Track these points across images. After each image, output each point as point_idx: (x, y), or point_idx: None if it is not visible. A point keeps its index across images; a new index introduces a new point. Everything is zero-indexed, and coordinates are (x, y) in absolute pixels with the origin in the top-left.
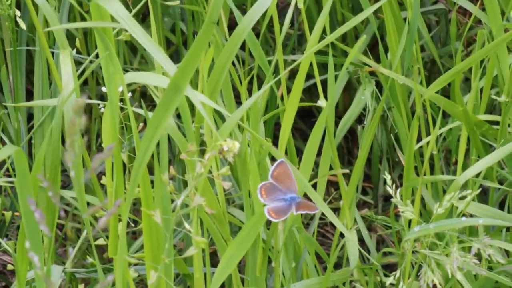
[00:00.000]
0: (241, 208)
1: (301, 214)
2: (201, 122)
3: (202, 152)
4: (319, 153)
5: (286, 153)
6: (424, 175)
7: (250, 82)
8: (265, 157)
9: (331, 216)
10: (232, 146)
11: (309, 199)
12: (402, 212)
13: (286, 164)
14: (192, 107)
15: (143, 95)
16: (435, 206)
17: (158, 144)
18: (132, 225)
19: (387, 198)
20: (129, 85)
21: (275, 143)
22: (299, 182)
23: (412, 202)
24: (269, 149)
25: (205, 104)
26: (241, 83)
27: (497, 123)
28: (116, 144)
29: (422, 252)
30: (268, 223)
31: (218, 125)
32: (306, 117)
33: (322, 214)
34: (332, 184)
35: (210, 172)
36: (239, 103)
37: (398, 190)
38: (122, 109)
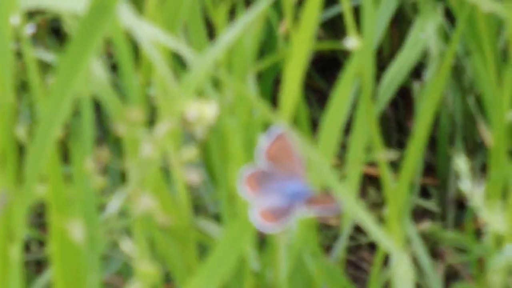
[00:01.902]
0: (218, 219)
1: (319, 230)
2: (151, 75)
3: (152, 124)
4: (348, 129)
5: (292, 125)
6: None
7: (233, 12)
8: (257, 133)
9: (368, 224)
10: (203, 112)
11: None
12: (487, 223)
13: (288, 138)
14: (135, 50)
15: (55, 33)
16: None
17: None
18: (35, 249)
19: (462, 203)
20: (30, 15)
21: (275, 110)
22: (313, 166)
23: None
24: (264, 117)
25: (157, 43)
26: (217, 11)
27: None
28: (8, 112)
29: None
30: (262, 241)
31: (180, 76)
32: (328, 69)
33: (355, 230)
34: (371, 181)
35: (165, 156)
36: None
37: (479, 190)
38: (18, 54)
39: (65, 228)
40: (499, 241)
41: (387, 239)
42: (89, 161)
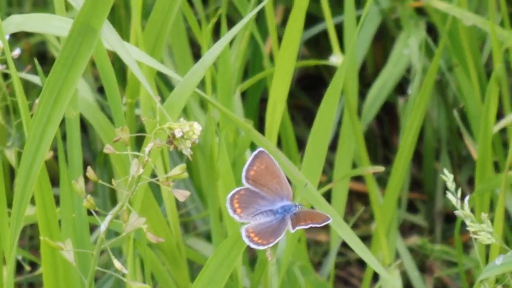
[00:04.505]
0: (208, 237)
1: (307, 246)
2: (137, 96)
3: (139, 144)
4: (334, 146)
5: (279, 144)
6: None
7: (217, 31)
8: (244, 152)
9: (355, 244)
10: (190, 130)
11: None
12: (474, 233)
13: (268, 156)
14: (121, 73)
15: (41, 57)
16: None
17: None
18: (27, 269)
19: (451, 216)
20: (16, 38)
21: (261, 129)
22: (297, 182)
23: (492, 220)
24: (251, 136)
25: (142, 64)
26: (201, 29)
27: None
28: None
29: None
30: (252, 258)
31: (166, 97)
32: (313, 87)
33: (343, 246)
34: (359, 197)
35: (154, 176)
36: None
37: (467, 199)
38: (5, 76)
39: (55, 246)
40: (487, 253)
41: (372, 258)
42: (78, 180)
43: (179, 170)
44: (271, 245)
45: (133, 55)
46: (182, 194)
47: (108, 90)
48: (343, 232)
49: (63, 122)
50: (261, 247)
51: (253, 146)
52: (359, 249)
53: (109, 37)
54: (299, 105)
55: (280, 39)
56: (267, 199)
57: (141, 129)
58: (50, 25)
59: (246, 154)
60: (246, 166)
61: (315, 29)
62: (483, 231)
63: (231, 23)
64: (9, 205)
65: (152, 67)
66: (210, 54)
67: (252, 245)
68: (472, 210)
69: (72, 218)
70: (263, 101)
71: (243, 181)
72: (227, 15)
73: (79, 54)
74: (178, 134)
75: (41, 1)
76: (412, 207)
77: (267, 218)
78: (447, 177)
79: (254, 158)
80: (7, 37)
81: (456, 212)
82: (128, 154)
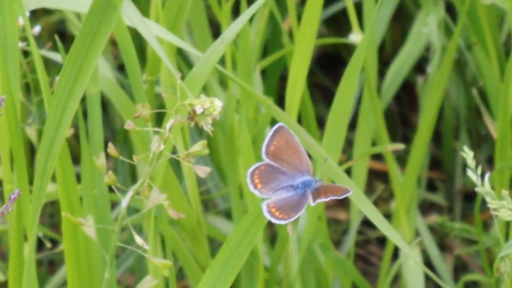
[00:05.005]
0: (228, 215)
1: (328, 225)
2: (157, 73)
3: (159, 120)
4: (353, 124)
5: (299, 122)
6: None
7: (236, 11)
8: (264, 128)
9: (376, 218)
10: (211, 106)
11: None
12: (494, 210)
13: (288, 131)
14: (141, 50)
15: (60, 35)
16: None
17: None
18: (48, 246)
19: (470, 195)
20: (35, 15)
21: (281, 108)
22: (317, 157)
23: None
24: (271, 112)
25: (163, 41)
26: (221, 7)
27: None
28: (15, 111)
29: None
30: (272, 236)
31: (186, 75)
32: (332, 65)
33: (362, 224)
34: (378, 176)
35: (174, 152)
36: None
37: (487, 176)
38: (25, 54)
39: (76, 222)
40: (507, 230)
41: (395, 233)
42: (99, 156)
43: (200, 147)
44: (292, 219)
45: (153, 31)
46: (203, 170)
47: (129, 66)
48: (364, 206)
49: (83, 100)
50: (282, 222)
51: (273, 123)
52: (380, 223)
53: (129, 13)
54: (318, 83)
55: (299, 17)
56: (287, 174)
57: (161, 106)
58: (71, 2)
59: (266, 130)
60: (266, 141)
61: (334, 8)
62: (504, 207)
63: (250, 2)
64: (30, 182)
65: (172, 44)
66: (230, 31)
67: (273, 220)
68: (492, 189)
69: (94, 195)
70: (282, 79)
71: (263, 156)
72: None
73: (99, 30)
74: (199, 110)
75: None
76: (431, 186)
77: (287, 193)
78: (467, 154)
79: (274, 133)
80: (27, 13)
81: (477, 189)
82: (149, 130)
